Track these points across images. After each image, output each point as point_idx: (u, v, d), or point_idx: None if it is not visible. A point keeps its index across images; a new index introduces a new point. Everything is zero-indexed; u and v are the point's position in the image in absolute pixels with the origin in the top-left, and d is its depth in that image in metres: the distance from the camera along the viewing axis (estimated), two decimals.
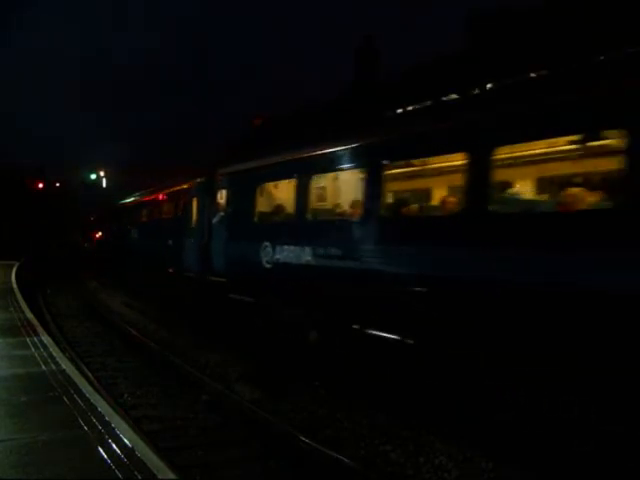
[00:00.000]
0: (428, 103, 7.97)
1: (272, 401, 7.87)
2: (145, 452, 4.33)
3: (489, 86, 7.24)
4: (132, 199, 24.17)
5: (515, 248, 6.02)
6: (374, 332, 7.75)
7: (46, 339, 8.79)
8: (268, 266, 10.20)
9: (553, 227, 5.82)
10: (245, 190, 11.42)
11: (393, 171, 8.01)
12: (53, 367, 6.93)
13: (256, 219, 11.04)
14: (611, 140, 5.66)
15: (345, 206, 9.13)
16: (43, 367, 6.91)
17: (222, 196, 12.44)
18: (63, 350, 9.08)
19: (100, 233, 39.13)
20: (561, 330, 5.67)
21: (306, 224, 9.41)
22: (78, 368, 7.95)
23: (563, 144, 6.26)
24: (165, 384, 8.75)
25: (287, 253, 9.68)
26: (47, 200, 51.83)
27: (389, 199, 8.25)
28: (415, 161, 8.27)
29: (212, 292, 12.71)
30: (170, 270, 15.91)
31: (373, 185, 7.91)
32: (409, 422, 6.99)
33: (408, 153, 7.87)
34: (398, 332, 7.40)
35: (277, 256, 9.98)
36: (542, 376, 5.87)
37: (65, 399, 5.59)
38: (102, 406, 5.45)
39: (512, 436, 6.10)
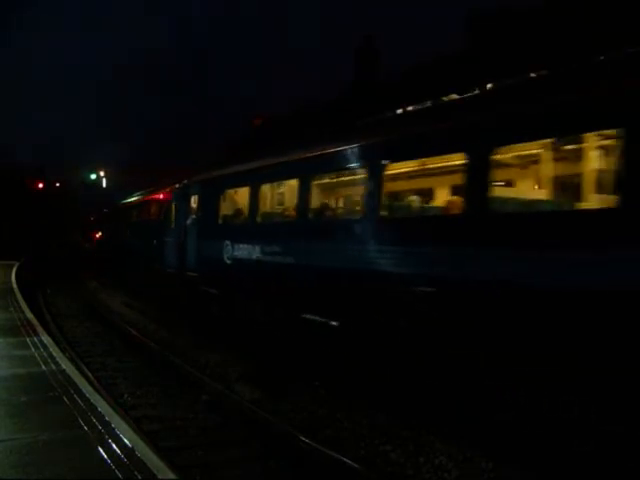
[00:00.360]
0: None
1: (272, 401, 7.87)
2: (145, 452, 4.33)
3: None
4: (126, 201, 25.98)
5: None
6: (308, 316, 9.34)
7: (46, 339, 8.79)
8: (229, 262, 12.01)
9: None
10: (212, 196, 13.29)
11: (316, 182, 10.09)
12: (53, 367, 6.93)
13: (220, 221, 12.90)
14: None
15: (285, 210, 11.07)
16: (43, 367, 6.91)
17: (194, 201, 14.30)
18: (63, 350, 9.08)
19: (100, 233, 39.15)
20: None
21: (256, 225, 11.27)
22: (78, 368, 7.95)
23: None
24: (165, 384, 8.74)
25: (242, 250, 11.44)
26: (47, 200, 51.83)
27: (314, 205, 9.95)
28: (326, 176, 10.38)
29: (188, 286, 14.28)
30: (156, 267, 17.30)
31: (302, 193, 9.78)
32: (409, 422, 6.99)
33: (320, 171, 9.96)
34: (325, 315, 8.98)
35: (235, 253, 11.74)
36: None
37: (65, 399, 5.59)
38: (102, 406, 5.45)
39: (512, 436, 6.11)
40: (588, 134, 6.10)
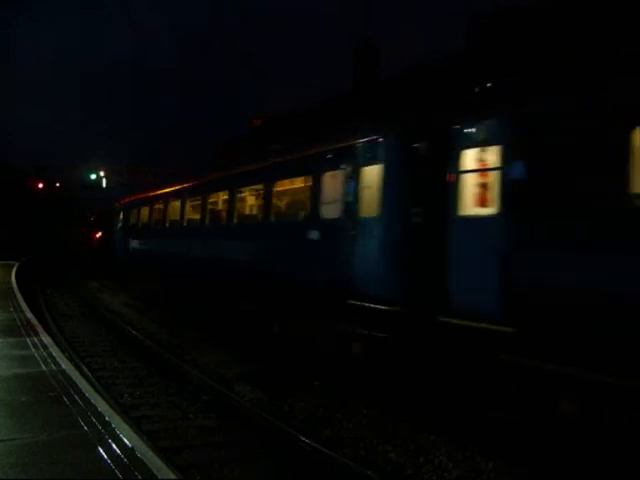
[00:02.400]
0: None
1: (272, 401, 7.87)
2: (145, 452, 4.32)
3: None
4: (103, 210, 36.74)
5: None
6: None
7: (46, 339, 8.78)
8: (131, 251, 22.37)
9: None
10: (126, 212, 23.96)
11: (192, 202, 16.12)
12: (53, 367, 6.92)
13: (127, 228, 23.41)
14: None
15: (166, 220, 18.08)
16: (43, 367, 6.91)
17: (121, 215, 24.87)
18: (63, 350, 9.07)
19: (100, 233, 39.18)
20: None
21: (144, 230, 20.85)
22: (78, 368, 7.95)
23: None
24: (165, 384, 8.74)
25: (138, 245, 21.54)
26: (47, 200, 51.80)
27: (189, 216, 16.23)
28: (196, 197, 15.59)
29: (121, 267, 25.04)
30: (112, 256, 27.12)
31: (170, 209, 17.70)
32: (409, 422, 6.99)
33: (192, 193, 15.93)
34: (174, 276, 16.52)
35: (133, 246, 22.10)
36: None
37: (65, 399, 5.58)
38: (102, 406, 5.45)
39: (512, 436, 6.11)
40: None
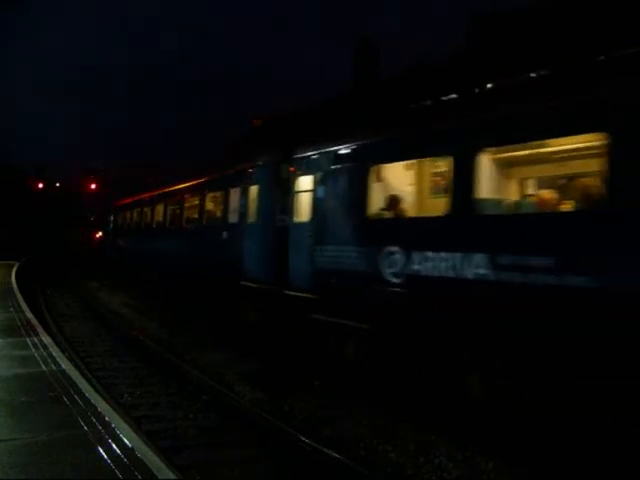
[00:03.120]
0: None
1: (272, 401, 7.87)
2: (145, 452, 4.33)
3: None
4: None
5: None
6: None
7: (46, 339, 8.79)
8: (119, 249, 26.54)
9: None
10: (115, 215, 28.35)
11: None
12: (53, 367, 6.93)
13: (118, 228, 27.34)
14: None
15: (141, 222, 22.63)
16: (43, 367, 6.91)
17: (111, 217, 29.03)
18: (63, 350, 9.08)
19: (100, 233, 39.22)
20: None
21: (129, 230, 24.97)
22: (78, 368, 7.95)
23: None
24: (165, 384, 8.75)
25: (123, 243, 25.93)
26: (47, 200, 51.82)
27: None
28: (159, 203, 19.97)
29: (113, 262, 27.86)
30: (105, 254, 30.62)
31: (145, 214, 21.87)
32: (409, 422, 6.99)
33: (157, 200, 20.25)
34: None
35: (119, 245, 26.51)
36: None
37: (65, 399, 5.59)
38: (102, 406, 5.45)
39: (512, 436, 6.11)
40: None
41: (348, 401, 7.86)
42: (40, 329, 9.79)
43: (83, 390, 5.94)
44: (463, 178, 6.78)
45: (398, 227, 8.20)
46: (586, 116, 5.67)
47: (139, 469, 3.97)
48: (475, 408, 6.60)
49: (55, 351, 7.92)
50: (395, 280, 7.60)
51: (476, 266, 6.38)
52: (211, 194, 14.99)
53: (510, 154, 6.89)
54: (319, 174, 9.55)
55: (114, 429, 4.76)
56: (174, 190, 18.01)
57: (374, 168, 8.44)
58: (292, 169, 10.46)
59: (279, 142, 12.48)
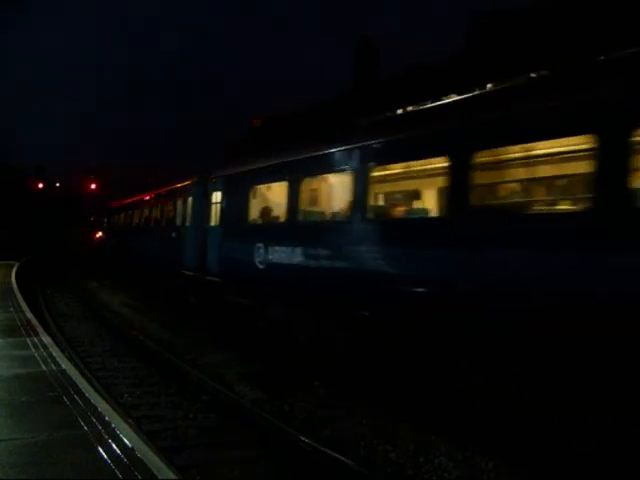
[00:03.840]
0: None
1: (272, 401, 7.87)
2: (145, 452, 4.33)
3: None
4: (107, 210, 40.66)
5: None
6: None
7: (46, 339, 8.78)
8: (112, 247, 30.34)
9: None
10: (108, 216, 32.44)
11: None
12: (53, 367, 6.93)
13: (111, 228, 31.44)
14: None
15: (125, 224, 26.60)
16: (43, 367, 6.91)
17: (106, 219, 33.62)
18: (63, 350, 9.07)
19: (100, 233, 39.24)
20: None
21: (118, 231, 28.79)
22: (78, 368, 7.95)
23: None
24: (165, 384, 8.74)
25: (115, 242, 29.34)
26: (47, 200, 51.82)
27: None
28: (135, 209, 24.51)
29: (106, 259, 31.27)
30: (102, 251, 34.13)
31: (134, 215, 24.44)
32: (409, 422, 6.99)
33: (133, 206, 25.01)
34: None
35: (112, 243, 30.56)
36: None
37: (65, 399, 5.59)
38: (102, 406, 5.45)
39: (512, 436, 6.11)
40: None
41: (348, 401, 7.86)
42: (40, 329, 9.79)
43: (83, 390, 5.94)
44: (294, 196, 10.25)
45: (263, 230, 11.77)
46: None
47: (139, 469, 3.97)
48: (475, 408, 6.60)
49: (55, 351, 7.92)
50: (261, 266, 11.08)
51: (296, 256, 9.97)
52: (168, 202, 18.80)
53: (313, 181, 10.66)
54: (224, 191, 13.45)
55: (114, 429, 4.76)
56: (146, 198, 22.27)
57: (253, 188, 12.19)
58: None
59: (208, 165, 16.26)
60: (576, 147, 6.01)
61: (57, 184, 56.15)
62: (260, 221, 11.93)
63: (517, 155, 6.65)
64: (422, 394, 7.35)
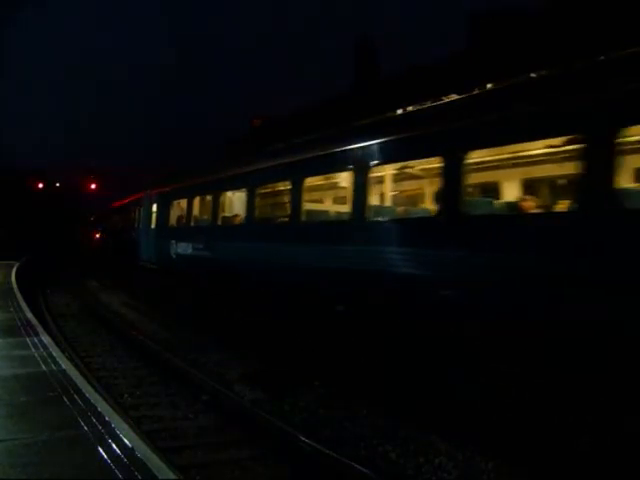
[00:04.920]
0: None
1: (272, 401, 7.87)
2: (145, 452, 4.32)
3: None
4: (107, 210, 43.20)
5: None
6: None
7: (46, 339, 8.78)
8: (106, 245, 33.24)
9: None
10: (104, 218, 35.34)
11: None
12: (53, 367, 6.92)
13: (104, 228, 35.57)
14: None
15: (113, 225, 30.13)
16: (43, 367, 6.90)
17: (101, 220, 37.77)
18: (63, 350, 9.06)
19: (98, 235, 39.25)
20: None
21: (111, 231, 31.30)
22: (78, 368, 7.95)
23: None
24: (165, 384, 8.74)
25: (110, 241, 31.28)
26: (47, 200, 51.79)
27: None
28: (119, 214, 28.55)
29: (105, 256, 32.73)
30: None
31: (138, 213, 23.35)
32: (409, 422, 6.99)
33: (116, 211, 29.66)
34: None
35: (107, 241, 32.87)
36: None
37: (65, 399, 5.58)
38: (102, 406, 5.44)
39: (512, 436, 6.11)
40: None
41: (348, 401, 7.86)
42: (40, 329, 9.78)
43: (83, 390, 5.93)
44: (190, 209, 15.48)
45: (175, 231, 16.43)
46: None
47: (139, 469, 3.97)
48: (475, 408, 6.60)
49: (55, 351, 7.91)
50: (174, 257, 15.87)
51: (189, 249, 14.75)
52: (134, 208, 22.50)
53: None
54: (158, 202, 18.16)
55: (114, 429, 4.76)
56: (123, 204, 26.46)
57: (173, 201, 16.89)
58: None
59: (151, 182, 20.12)
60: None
61: (57, 184, 56.10)
62: (176, 225, 16.82)
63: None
64: (423, 394, 7.35)
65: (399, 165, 8.84)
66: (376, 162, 8.27)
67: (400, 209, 9.20)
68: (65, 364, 7.13)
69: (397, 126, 8.28)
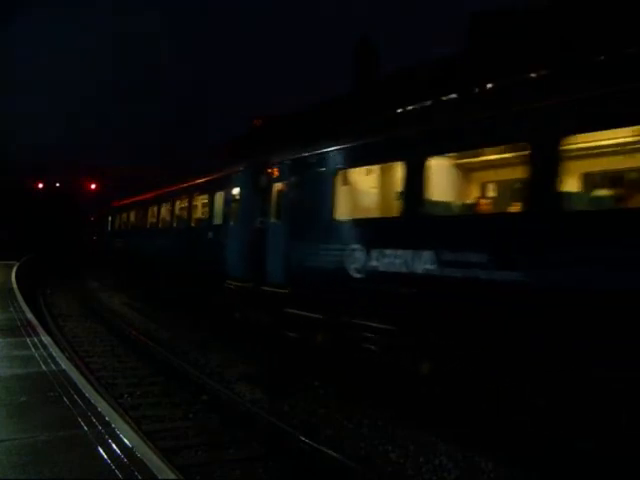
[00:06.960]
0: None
1: (272, 401, 7.87)
2: (145, 452, 4.32)
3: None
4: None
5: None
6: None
7: (46, 339, 8.77)
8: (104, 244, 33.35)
9: None
10: (100, 219, 35.55)
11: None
12: (53, 367, 6.92)
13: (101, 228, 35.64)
14: None
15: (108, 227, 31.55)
16: (43, 367, 6.90)
17: (99, 221, 37.36)
18: (63, 350, 9.07)
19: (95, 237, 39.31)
20: None
21: (107, 232, 31.47)
22: (78, 368, 7.95)
23: None
24: (165, 384, 8.74)
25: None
26: (47, 200, 51.78)
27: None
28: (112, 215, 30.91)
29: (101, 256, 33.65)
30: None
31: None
32: (409, 422, 6.99)
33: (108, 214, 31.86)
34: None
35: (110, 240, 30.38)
36: None
37: (65, 399, 5.58)
38: (102, 406, 5.44)
39: (512, 436, 6.11)
40: None
41: (348, 401, 7.86)
42: (40, 329, 9.78)
43: (83, 390, 5.93)
44: (144, 216, 20.72)
45: (148, 232, 20.07)
46: None
47: (139, 469, 3.97)
48: (477, 408, 6.60)
49: (55, 351, 7.91)
50: (143, 250, 20.11)
51: (152, 245, 19.11)
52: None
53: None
54: (133, 211, 22.07)
55: (114, 429, 4.76)
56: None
57: (150, 208, 20.11)
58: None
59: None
60: None
61: (57, 184, 56.07)
62: (151, 227, 18.63)
63: None
64: (423, 394, 7.35)
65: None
66: None
67: None
68: (65, 364, 7.13)
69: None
